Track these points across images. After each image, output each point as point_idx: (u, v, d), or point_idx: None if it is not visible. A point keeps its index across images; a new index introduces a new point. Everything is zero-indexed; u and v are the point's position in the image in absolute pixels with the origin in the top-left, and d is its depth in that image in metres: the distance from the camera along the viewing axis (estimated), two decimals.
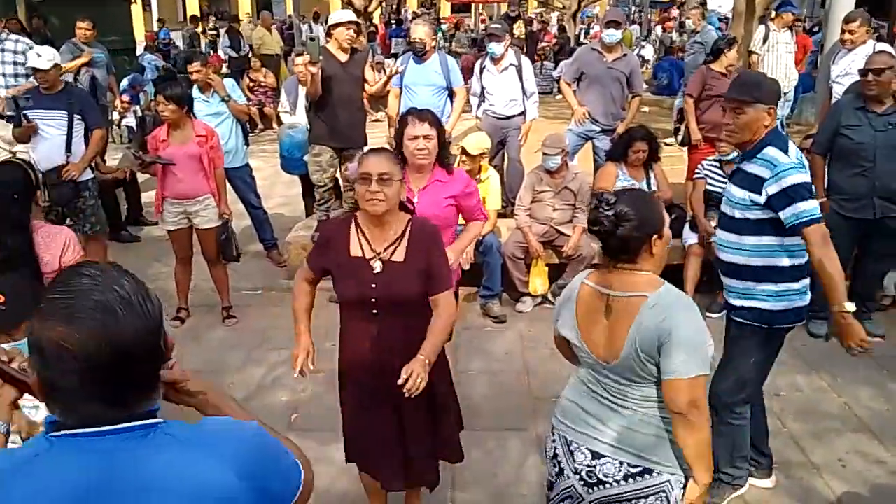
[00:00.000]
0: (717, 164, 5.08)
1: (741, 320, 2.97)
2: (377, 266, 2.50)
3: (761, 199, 2.80)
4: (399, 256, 2.51)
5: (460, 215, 3.47)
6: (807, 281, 2.94)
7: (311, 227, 5.72)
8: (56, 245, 2.87)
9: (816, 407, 4.00)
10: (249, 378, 4.31)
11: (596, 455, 2.15)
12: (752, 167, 2.85)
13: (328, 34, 5.33)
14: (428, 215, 2.86)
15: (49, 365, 1.12)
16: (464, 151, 4.75)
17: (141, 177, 6.92)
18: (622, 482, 2.11)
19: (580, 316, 2.18)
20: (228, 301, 5.06)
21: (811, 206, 2.73)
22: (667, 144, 8.68)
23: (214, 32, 17.92)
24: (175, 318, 4.98)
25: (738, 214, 2.92)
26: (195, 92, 5.43)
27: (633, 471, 2.10)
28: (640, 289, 2.08)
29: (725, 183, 5.04)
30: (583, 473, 2.17)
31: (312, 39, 5.41)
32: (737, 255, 2.94)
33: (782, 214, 2.75)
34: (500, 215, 5.21)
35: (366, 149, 4.68)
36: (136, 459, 1.13)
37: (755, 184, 2.82)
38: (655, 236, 2.09)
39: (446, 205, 3.24)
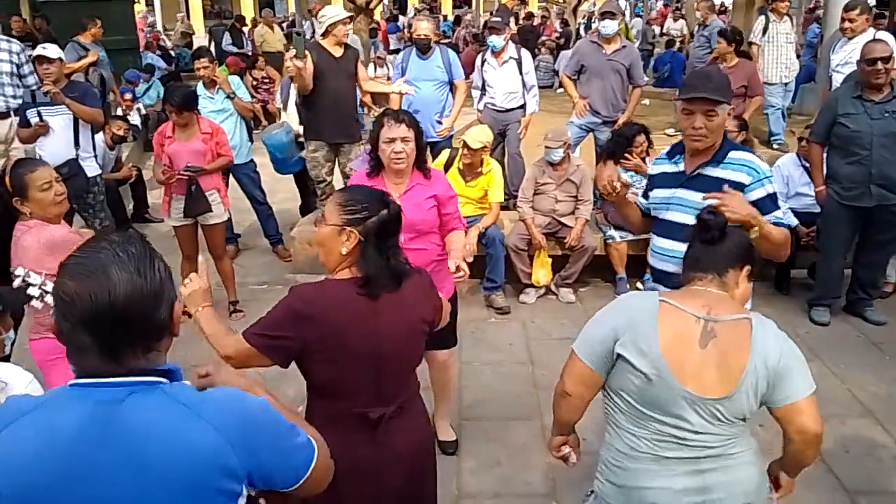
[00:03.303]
0: None
1: None
2: None
3: None
4: None
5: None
6: None
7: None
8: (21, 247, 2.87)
9: (820, 393, 3.96)
10: (256, 371, 4.35)
11: None
12: (721, 172, 2.57)
13: (325, 32, 5.32)
14: (414, 220, 2.68)
15: (60, 314, 1.23)
16: (465, 145, 4.79)
17: (147, 174, 6.97)
18: None
19: (666, 343, 1.86)
20: (235, 295, 5.10)
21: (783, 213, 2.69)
22: (668, 135, 8.73)
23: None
24: (182, 312, 5.01)
25: None
26: (200, 88, 5.47)
27: None
28: (741, 311, 1.92)
29: None
30: None
31: (298, 34, 5.38)
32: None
33: (769, 217, 2.54)
34: (503, 207, 5.25)
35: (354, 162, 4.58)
36: (128, 411, 1.21)
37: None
38: (749, 267, 2.02)
39: (429, 207, 3.06)
